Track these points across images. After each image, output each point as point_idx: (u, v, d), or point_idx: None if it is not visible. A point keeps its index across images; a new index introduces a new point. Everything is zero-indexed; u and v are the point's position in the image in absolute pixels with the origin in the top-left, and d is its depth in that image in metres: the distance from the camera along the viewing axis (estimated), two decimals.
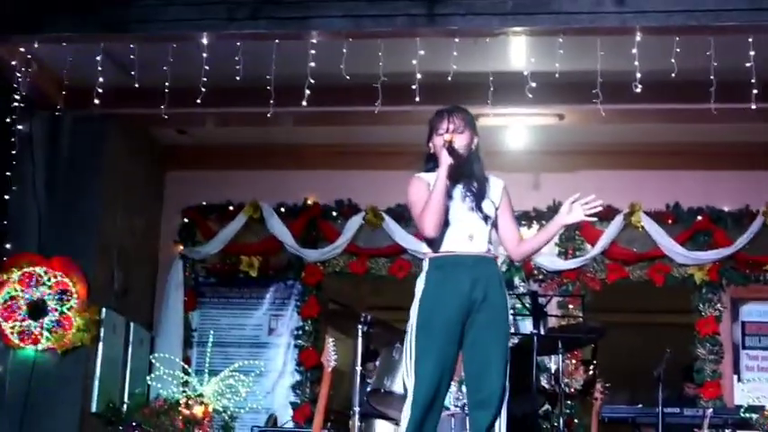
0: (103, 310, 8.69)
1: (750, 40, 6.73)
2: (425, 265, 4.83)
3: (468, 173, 4.81)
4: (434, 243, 4.75)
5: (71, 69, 7.45)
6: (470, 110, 4.98)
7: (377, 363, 7.10)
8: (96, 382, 8.59)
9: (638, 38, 6.80)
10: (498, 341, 4.66)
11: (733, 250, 9.39)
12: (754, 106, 6.87)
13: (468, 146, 4.79)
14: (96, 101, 7.31)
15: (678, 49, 6.77)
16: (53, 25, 7.23)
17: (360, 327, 6.97)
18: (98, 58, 7.29)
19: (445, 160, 4.65)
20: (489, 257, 4.76)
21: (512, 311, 8.31)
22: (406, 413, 4.65)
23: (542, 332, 7.62)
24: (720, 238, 9.48)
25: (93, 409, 8.51)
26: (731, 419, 7.27)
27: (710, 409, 7.40)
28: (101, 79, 7.31)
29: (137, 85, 7.33)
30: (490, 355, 4.64)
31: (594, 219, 4.82)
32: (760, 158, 9.54)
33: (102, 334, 8.64)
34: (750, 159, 9.57)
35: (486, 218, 4.76)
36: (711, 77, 6.79)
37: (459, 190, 4.79)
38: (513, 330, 8.16)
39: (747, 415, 7.09)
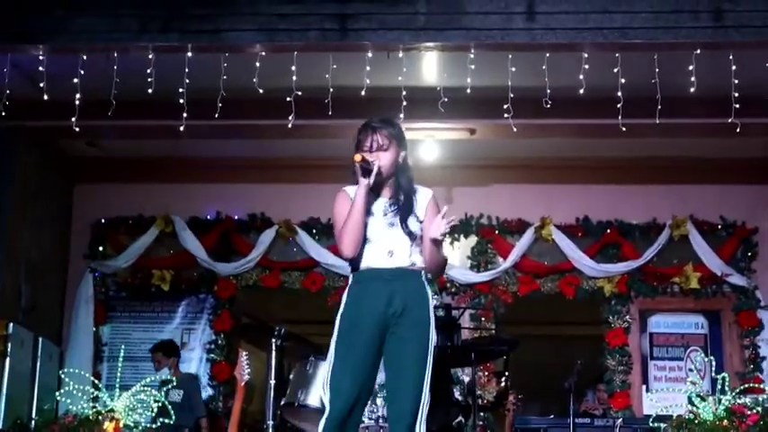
0: (10, 324, 8.51)
1: (655, 57, 6.88)
2: (349, 280, 4.79)
3: (394, 188, 4.77)
4: (355, 260, 4.71)
5: None
6: None
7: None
8: (3, 399, 8.41)
9: (547, 54, 6.90)
10: (415, 355, 4.61)
11: (641, 263, 9.58)
12: (657, 121, 7.01)
13: (393, 162, 4.73)
14: (3, 112, 7.16)
15: (587, 66, 6.90)
16: None
17: (273, 340, 6.94)
18: (5, 69, 7.16)
19: (362, 182, 4.62)
20: (411, 271, 4.69)
21: None
22: (320, 428, 4.64)
23: (455, 344, 7.66)
24: (629, 251, 9.66)
25: (0, 425, 8.34)
26: (640, 429, 7.38)
27: (620, 419, 7.52)
28: (8, 91, 7.17)
29: (45, 97, 7.20)
30: (406, 368, 4.60)
31: (443, 236, 4.62)
32: (667, 173, 9.76)
33: (9, 349, 8.46)
34: (657, 174, 9.78)
35: (409, 234, 4.69)
36: (619, 94, 6.93)
37: (382, 204, 4.74)
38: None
39: (656, 424, 7.18)
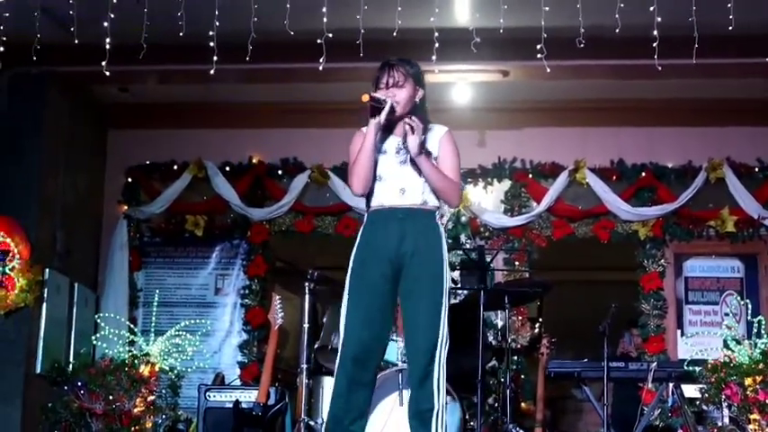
0: (47, 270, 8.60)
1: None
2: (364, 219, 4.84)
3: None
4: (369, 198, 4.77)
5: (7, 26, 7.27)
6: None
7: None
8: (41, 343, 8.52)
9: None
10: (428, 294, 4.61)
11: (676, 206, 9.48)
12: (694, 61, 6.88)
13: (409, 100, 4.74)
14: (34, 58, 7.14)
15: (622, 4, 6.76)
16: None
17: (306, 284, 6.96)
18: (36, 14, 7.12)
19: (372, 120, 4.63)
20: (423, 209, 4.71)
21: (458, 267, 8.47)
22: (335, 368, 4.64)
23: (488, 287, 7.65)
24: (664, 194, 9.56)
25: (38, 369, 8.44)
26: (675, 373, 7.34)
27: (654, 363, 7.49)
28: (39, 36, 7.14)
29: (76, 42, 7.18)
30: (419, 308, 4.61)
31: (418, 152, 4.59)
32: (703, 114, 9.63)
33: (45, 294, 8.56)
34: (693, 115, 9.65)
35: (419, 171, 4.69)
36: (655, 33, 6.80)
37: (395, 142, 4.75)
38: (454, 285, 8.23)
39: (690, 368, 7.16)
